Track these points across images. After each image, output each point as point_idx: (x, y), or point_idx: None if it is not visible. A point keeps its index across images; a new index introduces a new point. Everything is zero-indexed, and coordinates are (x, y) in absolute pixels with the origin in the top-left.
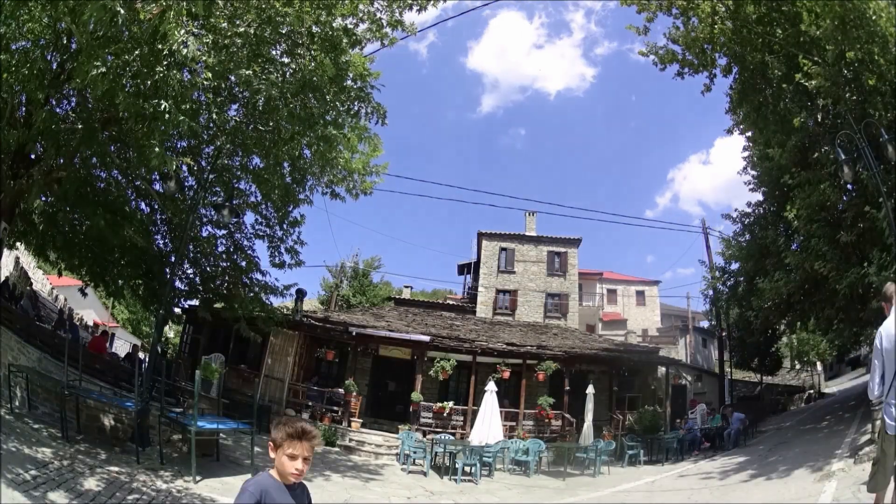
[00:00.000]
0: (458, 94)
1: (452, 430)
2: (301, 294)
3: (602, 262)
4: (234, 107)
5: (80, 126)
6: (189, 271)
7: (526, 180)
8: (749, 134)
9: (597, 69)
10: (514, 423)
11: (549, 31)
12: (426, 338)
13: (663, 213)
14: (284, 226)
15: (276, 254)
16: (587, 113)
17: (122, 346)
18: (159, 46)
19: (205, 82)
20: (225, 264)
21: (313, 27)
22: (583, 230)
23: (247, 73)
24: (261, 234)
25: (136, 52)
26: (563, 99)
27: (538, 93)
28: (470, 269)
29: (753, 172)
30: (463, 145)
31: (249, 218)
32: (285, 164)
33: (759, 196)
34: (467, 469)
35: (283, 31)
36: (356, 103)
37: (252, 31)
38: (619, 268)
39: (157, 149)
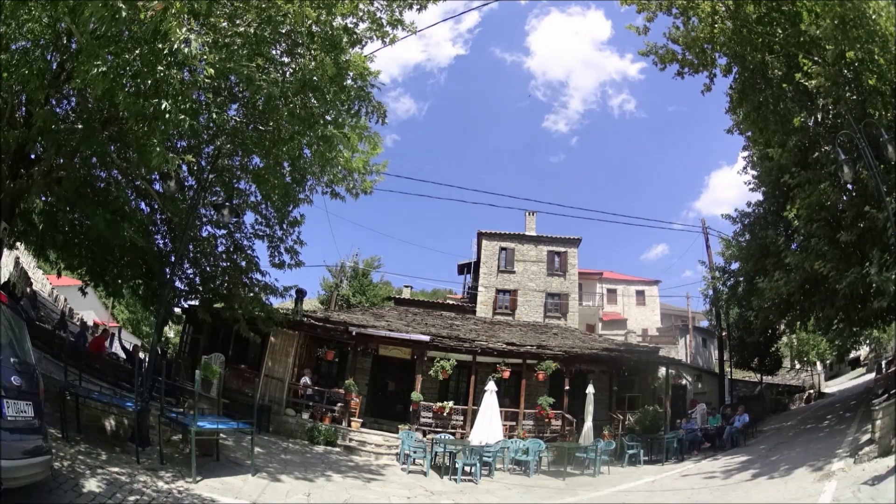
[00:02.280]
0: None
1: (452, 430)
2: (301, 294)
3: (616, 262)
4: (234, 106)
5: (80, 126)
6: (189, 271)
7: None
8: (749, 134)
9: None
10: (514, 423)
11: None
12: (426, 337)
13: (697, 220)
14: (284, 225)
15: (276, 254)
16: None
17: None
18: (160, 45)
19: (206, 80)
20: (225, 264)
21: (313, 26)
22: (587, 230)
23: (249, 66)
24: (260, 233)
25: (137, 52)
26: (610, 109)
27: (586, 101)
28: (470, 269)
29: (753, 172)
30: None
31: (249, 218)
32: (285, 164)
33: (759, 196)
34: (467, 469)
35: (284, 31)
36: (356, 102)
37: (252, 31)
38: (636, 267)
39: (157, 148)
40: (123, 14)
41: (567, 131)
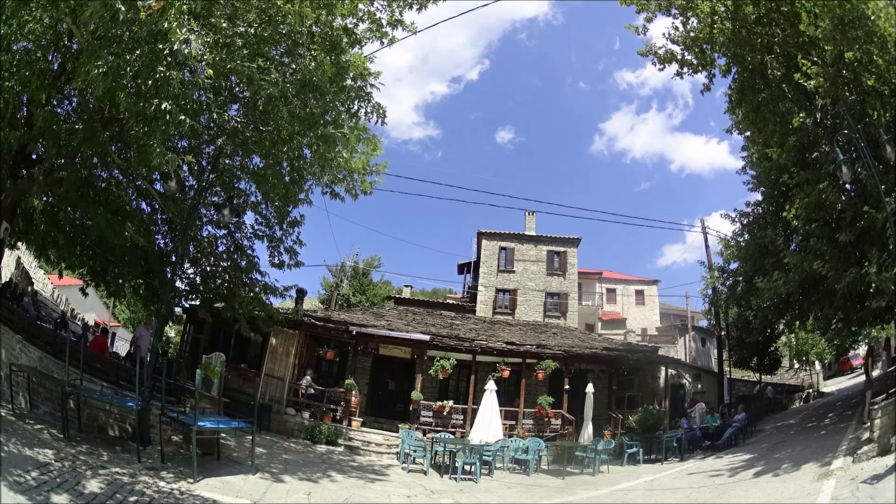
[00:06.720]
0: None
1: (452, 429)
2: (301, 293)
3: (630, 264)
4: (235, 107)
5: (80, 126)
6: (189, 271)
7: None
8: (748, 134)
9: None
10: (513, 422)
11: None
12: (426, 337)
13: None
14: (284, 226)
15: (276, 254)
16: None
17: (123, 345)
18: (160, 46)
19: (206, 80)
20: (225, 264)
21: (313, 27)
22: (591, 231)
23: (250, 66)
24: (260, 234)
25: (137, 52)
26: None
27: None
28: (470, 269)
29: (752, 172)
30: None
31: (249, 218)
32: (285, 164)
33: (758, 196)
34: (467, 468)
35: (284, 31)
36: (356, 102)
37: (253, 31)
38: (654, 270)
39: (157, 148)
40: (122, 13)
41: None
